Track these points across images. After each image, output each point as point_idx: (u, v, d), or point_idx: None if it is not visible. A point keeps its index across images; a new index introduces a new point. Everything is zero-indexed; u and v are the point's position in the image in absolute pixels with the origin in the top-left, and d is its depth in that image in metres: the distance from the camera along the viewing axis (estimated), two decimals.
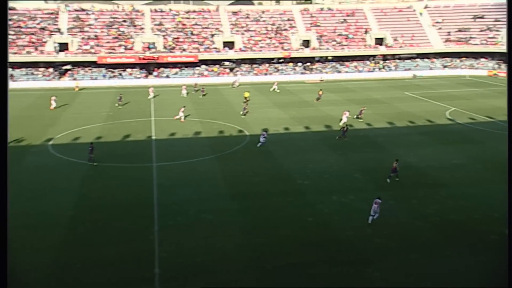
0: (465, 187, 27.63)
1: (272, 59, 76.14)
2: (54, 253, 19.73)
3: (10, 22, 67.20)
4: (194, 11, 79.44)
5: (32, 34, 69.21)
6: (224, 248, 20.33)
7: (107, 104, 52.62)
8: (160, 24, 75.74)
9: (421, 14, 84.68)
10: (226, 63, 73.82)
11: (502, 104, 52.15)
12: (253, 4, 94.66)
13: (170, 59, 70.50)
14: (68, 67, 68.68)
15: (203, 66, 72.70)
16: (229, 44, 74.64)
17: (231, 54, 73.83)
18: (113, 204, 24.88)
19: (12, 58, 63.14)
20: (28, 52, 66.85)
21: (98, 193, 26.43)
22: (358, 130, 39.95)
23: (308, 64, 76.21)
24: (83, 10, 75.39)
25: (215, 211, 24.07)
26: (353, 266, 18.94)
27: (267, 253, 19.91)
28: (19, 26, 69.79)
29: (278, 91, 60.47)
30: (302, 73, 74.55)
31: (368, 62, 78.24)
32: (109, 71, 69.34)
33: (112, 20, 74.87)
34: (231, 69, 73.42)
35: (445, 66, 79.25)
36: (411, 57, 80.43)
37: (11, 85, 60.25)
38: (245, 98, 53.12)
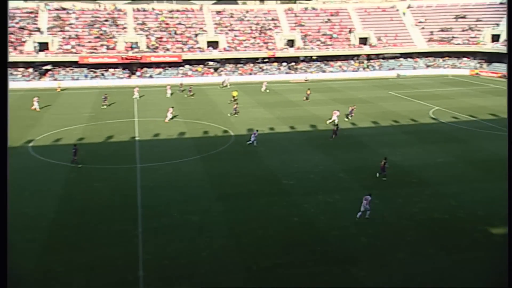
0: (449, 185, 27.83)
1: (257, 59, 76.01)
2: (35, 258, 19.28)
3: None
4: (178, 11, 78.90)
5: (11, 33, 67.76)
6: (210, 249, 20.14)
7: (89, 104, 51.89)
8: (143, 23, 75.02)
9: (404, 14, 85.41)
10: (211, 63, 73.43)
11: (484, 103, 52.92)
12: (237, 3, 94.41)
13: (153, 59, 69.84)
14: (48, 67, 67.52)
15: (187, 66, 72.20)
16: (213, 44, 74.27)
17: (215, 54, 73.47)
18: (96, 207, 24.47)
19: None
20: None
21: (81, 196, 25.97)
22: (342, 130, 39.96)
23: (293, 63, 76.27)
24: (63, 9, 74.16)
25: (200, 212, 23.84)
26: (339, 266, 18.93)
27: (253, 254, 19.79)
28: None
29: (268, 91, 60.36)
30: (287, 73, 74.57)
31: (352, 62, 78.61)
32: (91, 71, 68.36)
33: (93, 19, 73.88)
34: (216, 69, 73.08)
35: (428, 66, 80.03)
36: (395, 56, 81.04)
37: None
38: (233, 97, 53.13)
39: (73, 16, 73.51)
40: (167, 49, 71.53)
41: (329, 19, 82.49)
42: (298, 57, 77.18)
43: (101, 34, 71.65)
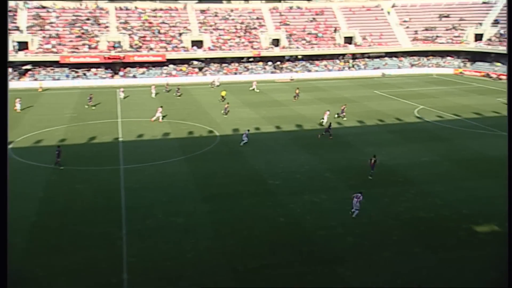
0: (434, 184, 27.94)
1: (242, 58, 75.65)
2: (15, 261, 18.71)
3: None
4: (161, 9, 78.10)
5: None
6: (195, 251, 19.91)
7: (71, 105, 51.06)
8: (126, 22, 74.11)
9: (389, 13, 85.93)
10: (195, 62, 72.92)
11: (468, 102, 53.45)
12: (221, 2, 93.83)
13: (136, 59, 69.07)
14: (28, 67, 66.23)
15: (171, 66, 71.59)
16: (197, 43, 73.75)
17: (199, 53, 72.98)
18: (78, 209, 24.03)
19: None
20: None
21: (63, 198, 25.48)
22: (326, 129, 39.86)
23: (278, 63, 76.14)
24: (43, 7, 72.75)
25: (185, 213, 23.55)
26: (326, 266, 18.87)
27: (239, 255, 19.63)
28: None
29: (258, 90, 60.13)
30: (272, 72, 74.42)
31: (337, 61, 78.80)
32: (73, 71, 67.23)
33: (74, 18, 72.68)
34: (200, 69, 72.57)
35: (412, 65, 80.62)
36: (380, 55, 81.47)
37: None
38: (222, 97, 53.09)
39: (53, 14, 72.22)
40: (151, 49, 70.80)
41: (314, 18, 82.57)
42: (283, 57, 77.11)
43: (83, 33, 70.59)
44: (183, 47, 72.57)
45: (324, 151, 34.54)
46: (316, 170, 30.29)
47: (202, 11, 79.51)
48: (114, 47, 69.48)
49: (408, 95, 57.97)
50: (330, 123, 39.51)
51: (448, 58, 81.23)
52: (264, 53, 75.03)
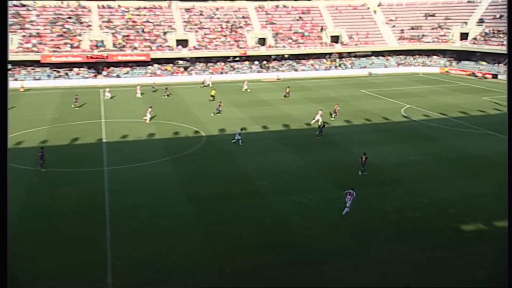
0: (421, 183, 27.92)
1: (228, 57, 75.12)
2: None
3: None
4: (145, 8, 77.06)
5: None
6: (181, 253, 19.58)
7: (53, 105, 50.14)
8: (109, 21, 73.08)
9: (375, 12, 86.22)
10: (180, 62, 72.26)
11: (454, 101, 53.78)
12: (206, 0, 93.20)
13: (120, 58, 68.08)
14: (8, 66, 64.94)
15: (156, 65, 70.82)
16: (182, 42, 73.07)
17: (185, 52, 72.31)
18: (61, 212, 23.51)
19: None
20: None
21: (45, 201, 24.93)
22: (315, 129, 39.72)
23: (265, 62, 75.84)
24: (23, 5, 71.28)
25: (171, 215, 23.19)
26: (313, 266, 18.71)
27: (226, 257, 19.36)
28: None
29: (249, 90, 59.74)
30: (258, 72, 74.09)
31: (324, 60, 78.79)
32: (54, 70, 65.93)
33: (56, 16, 71.40)
34: (186, 68, 71.94)
35: (399, 64, 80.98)
36: (367, 55, 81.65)
37: None
38: (212, 96, 52.98)
39: (33, 13, 70.82)
40: (135, 48, 69.93)
41: (300, 17, 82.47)
42: (269, 56, 76.83)
43: (65, 32, 69.38)
44: (168, 46, 71.85)
45: (312, 151, 34.35)
46: (304, 170, 30.09)
47: (187, 10, 78.77)
48: (97, 46, 68.45)
49: (394, 94, 58.14)
50: (324, 124, 39.32)
51: (434, 57, 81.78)
52: (250, 52, 74.65)
